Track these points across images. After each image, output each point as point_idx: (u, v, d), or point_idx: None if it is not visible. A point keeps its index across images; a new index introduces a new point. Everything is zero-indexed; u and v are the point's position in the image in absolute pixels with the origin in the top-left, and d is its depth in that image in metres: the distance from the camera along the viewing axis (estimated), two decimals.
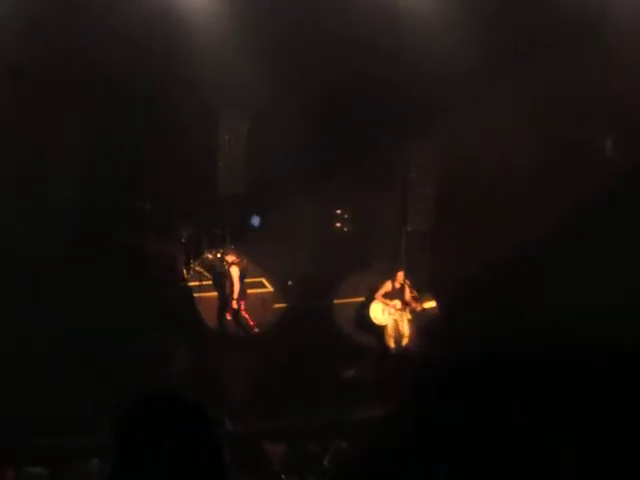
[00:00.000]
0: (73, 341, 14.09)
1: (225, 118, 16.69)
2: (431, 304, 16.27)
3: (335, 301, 17.06)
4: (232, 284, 16.10)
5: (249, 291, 16.56)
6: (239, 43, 15.31)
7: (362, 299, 16.97)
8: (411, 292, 16.41)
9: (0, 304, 14.04)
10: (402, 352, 16.36)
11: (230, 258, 16.30)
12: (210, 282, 16.86)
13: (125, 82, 15.27)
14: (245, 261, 16.39)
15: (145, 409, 2.77)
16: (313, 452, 10.94)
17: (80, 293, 14.79)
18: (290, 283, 16.71)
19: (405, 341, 16.48)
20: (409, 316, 16.36)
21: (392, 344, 16.48)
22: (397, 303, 16.37)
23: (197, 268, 17.11)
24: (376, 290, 16.50)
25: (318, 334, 15.82)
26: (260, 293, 16.85)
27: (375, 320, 16.51)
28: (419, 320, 16.35)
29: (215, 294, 16.61)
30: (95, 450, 9.66)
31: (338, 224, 17.74)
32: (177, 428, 2.72)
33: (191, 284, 16.76)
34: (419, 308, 16.32)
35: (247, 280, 16.52)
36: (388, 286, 16.42)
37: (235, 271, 16.12)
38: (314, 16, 15.56)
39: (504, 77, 15.47)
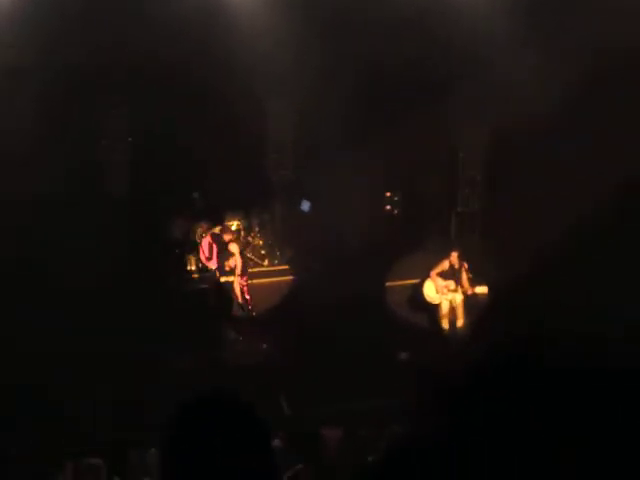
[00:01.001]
0: (119, 336, 14.28)
1: (271, 104, 16.73)
2: (483, 289, 16.20)
3: (387, 283, 17.05)
4: (235, 262, 15.98)
5: (271, 279, 16.63)
6: (284, 29, 15.29)
7: (414, 281, 16.96)
8: (467, 274, 16.35)
9: (59, 302, 14.26)
10: (456, 333, 16.39)
11: (227, 237, 16.29)
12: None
13: (170, 73, 15.34)
14: (243, 238, 16.46)
15: (194, 407, 2.80)
16: (369, 436, 10.99)
17: (131, 290, 15.00)
18: (313, 267, 16.60)
19: (459, 322, 16.47)
20: (462, 297, 16.34)
21: (446, 325, 16.50)
22: (451, 283, 16.35)
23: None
24: (431, 269, 16.50)
25: (371, 317, 15.82)
26: (273, 282, 16.86)
27: (428, 298, 16.52)
28: (472, 302, 16.35)
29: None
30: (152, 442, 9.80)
31: (388, 207, 17.71)
32: (225, 427, 2.75)
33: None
34: (470, 292, 16.29)
35: (274, 268, 16.56)
36: (445, 265, 16.41)
37: (234, 248, 16.10)
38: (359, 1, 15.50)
39: (554, 59, 15.30)
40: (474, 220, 17.35)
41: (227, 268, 15.66)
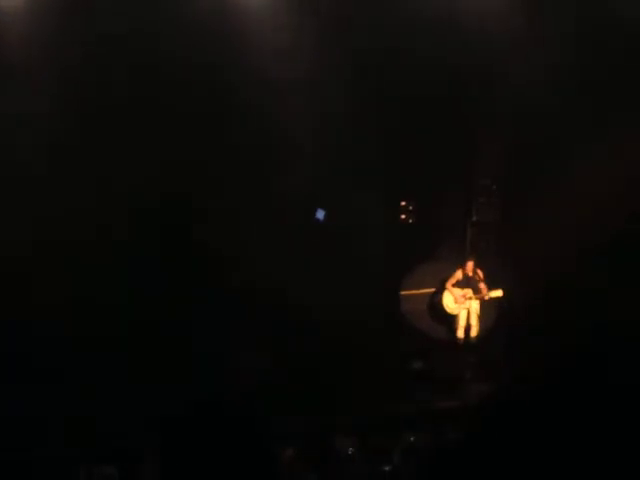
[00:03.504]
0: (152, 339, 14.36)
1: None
2: (497, 293, 16.27)
3: (402, 292, 17.03)
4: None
5: None
6: (312, 49, 15.35)
7: (429, 290, 16.97)
8: (480, 281, 16.39)
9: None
10: (470, 342, 16.43)
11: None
12: None
13: (197, 92, 15.37)
14: None
15: (197, 416, 2.80)
16: (382, 445, 10.97)
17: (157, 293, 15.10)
18: None
19: (474, 331, 16.49)
20: (478, 304, 16.38)
21: (462, 334, 16.53)
22: (468, 291, 16.41)
23: None
24: (446, 280, 16.54)
25: (386, 326, 15.82)
26: None
27: (448, 309, 16.58)
28: (486, 309, 16.40)
29: None
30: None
31: (403, 216, 17.66)
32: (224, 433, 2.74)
33: None
34: (486, 297, 16.32)
35: None
36: (458, 275, 16.48)
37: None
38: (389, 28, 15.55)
39: (573, 66, 15.30)
40: (489, 230, 17.28)
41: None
